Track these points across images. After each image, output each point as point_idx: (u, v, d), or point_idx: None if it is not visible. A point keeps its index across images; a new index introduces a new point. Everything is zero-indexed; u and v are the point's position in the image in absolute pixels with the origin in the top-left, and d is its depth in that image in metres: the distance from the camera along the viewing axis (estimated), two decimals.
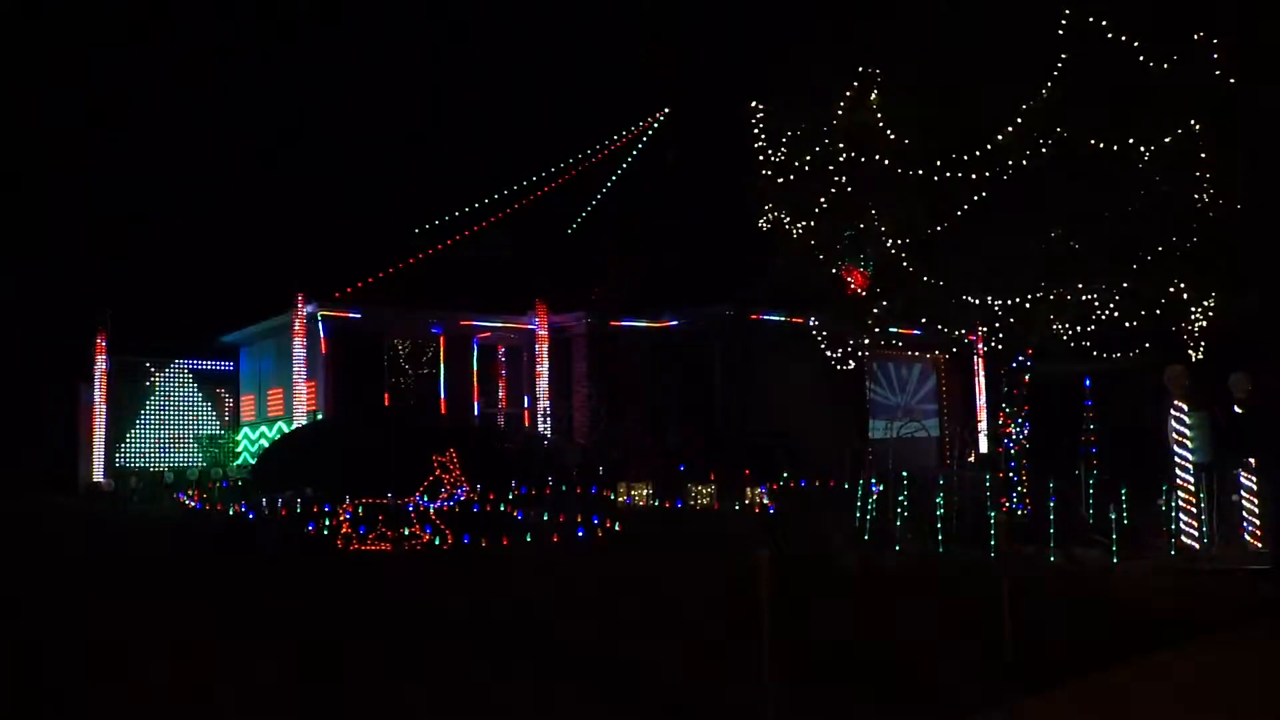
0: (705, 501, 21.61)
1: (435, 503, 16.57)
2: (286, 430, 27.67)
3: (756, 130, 16.00)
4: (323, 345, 27.40)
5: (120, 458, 31.13)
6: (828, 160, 15.00)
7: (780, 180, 15.74)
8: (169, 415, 32.51)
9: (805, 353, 18.84)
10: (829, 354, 17.19)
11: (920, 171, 14.01)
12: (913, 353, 28.90)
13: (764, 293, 24.93)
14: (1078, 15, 13.45)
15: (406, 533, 16.18)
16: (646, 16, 49.19)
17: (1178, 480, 13.57)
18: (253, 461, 28.89)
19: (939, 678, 7.43)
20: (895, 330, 17.71)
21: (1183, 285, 14.67)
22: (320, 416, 27.32)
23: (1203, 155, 13.84)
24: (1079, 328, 15.60)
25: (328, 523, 18.32)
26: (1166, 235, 14.42)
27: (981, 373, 34.05)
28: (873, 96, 14.50)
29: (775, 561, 6.27)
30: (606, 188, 34.37)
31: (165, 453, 32.18)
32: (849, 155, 14.65)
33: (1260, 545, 13.01)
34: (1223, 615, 9.46)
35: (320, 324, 27.38)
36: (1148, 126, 13.52)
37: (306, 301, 27.23)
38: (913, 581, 11.97)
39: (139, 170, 48.38)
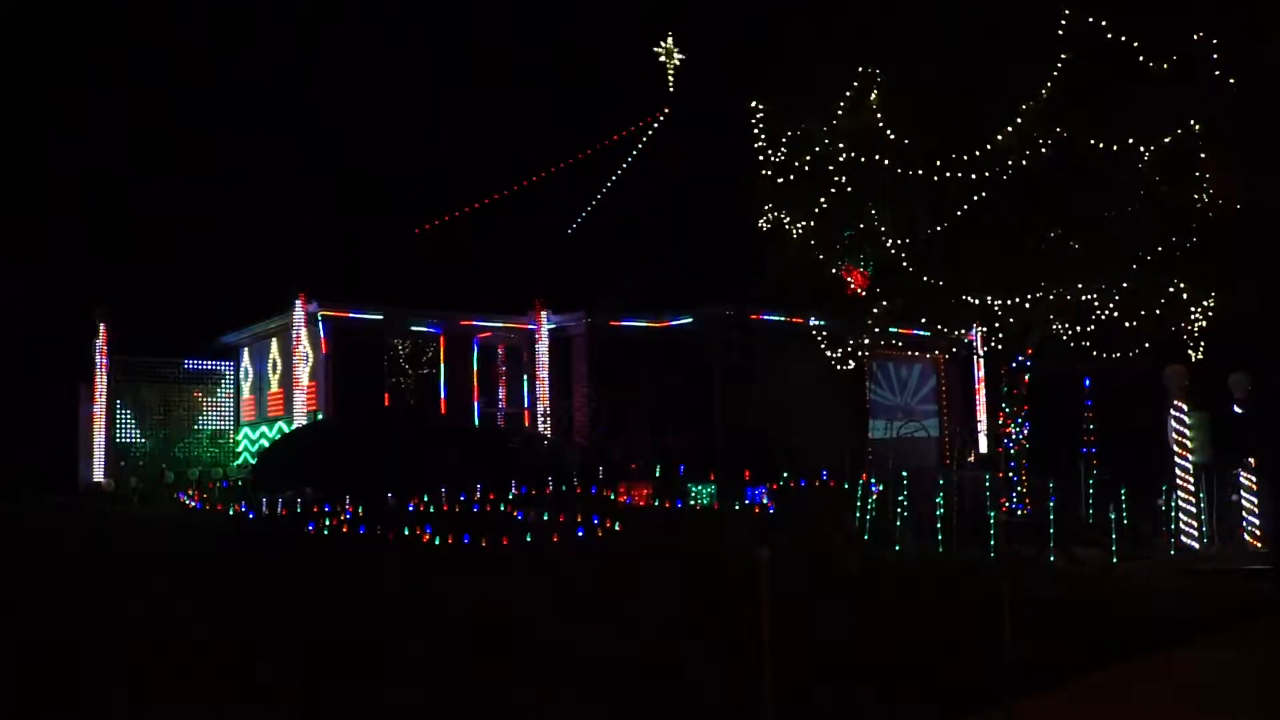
0: (705, 502, 21.60)
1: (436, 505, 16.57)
2: (286, 430, 27.66)
3: (757, 130, 16.01)
4: (323, 345, 27.40)
5: (120, 458, 31.12)
6: (828, 160, 15.00)
7: (780, 180, 15.75)
8: (169, 415, 32.50)
9: (805, 353, 18.85)
10: (829, 354, 17.20)
11: (920, 171, 14.01)
12: (913, 353, 28.87)
13: (764, 293, 24.92)
14: (1078, 15, 13.46)
15: (407, 532, 16.18)
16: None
17: (1178, 480, 13.57)
18: (253, 461, 28.89)
19: (939, 677, 7.43)
20: (895, 330, 17.72)
21: (1183, 285, 14.68)
22: (320, 416, 27.31)
23: (1203, 155, 13.85)
24: (1079, 328, 15.61)
25: (328, 522, 18.31)
26: (1166, 235, 14.43)
27: (981, 373, 34.04)
28: (873, 97, 14.50)
29: (775, 561, 6.28)
30: (607, 187, 34.36)
31: (165, 453, 32.17)
32: (849, 155, 14.65)
33: (1260, 545, 13.01)
34: (1223, 615, 9.46)
35: (320, 324, 27.37)
36: (1148, 126, 13.53)
37: (307, 301, 27.23)
38: (913, 581, 11.97)
39: (140, 170, 48.42)
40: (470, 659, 8.22)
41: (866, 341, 16.57)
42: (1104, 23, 13.39)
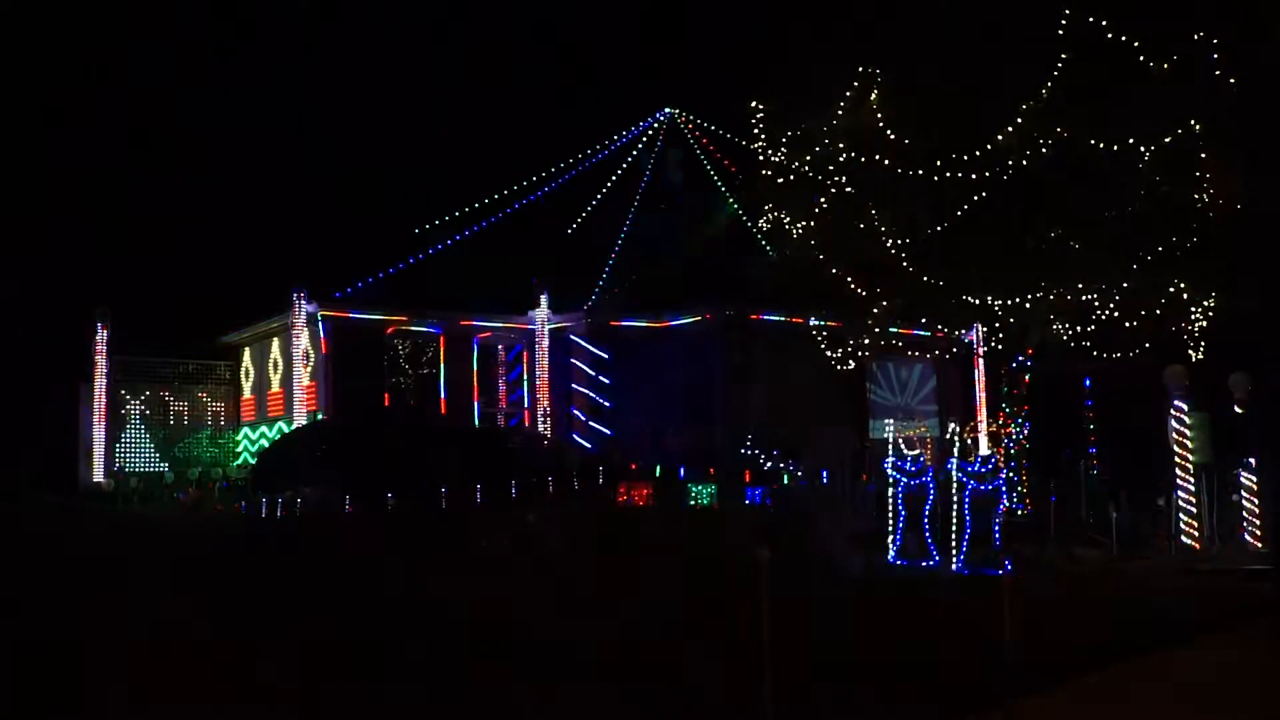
0: (705, 502, 21.58)
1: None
2: (286, 430, 27.66)
3: (757, 131, 16.01)
4: (323, 345, 27.39)
5: (120, 458, 31.12)
6: (828, 160, 15.01)
7: (780, 180, 15.75)
8: (169, 415, 32.50)
9: (805, 353, 18.85)
10: (829, 354, 17.20)
11: (920, 171, 14.01)
12: (913, 353, 28.88)
13: (764, 293, 24.92)
14: (1078, 15, 13.46)
15: (407, 532, 16.16)
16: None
17: (1178, 480, 13.56)
18: (253, 461, 28.88)
19: (939, 678, 7.42)
20: (895, 330, 17.72)
21: (1183, 285, 14.68)
22: (320, 416, 27.31)
23: (1203, 155, 13.84)
24: (1079, 328, 15.60)
25: (327, 522, 18.28)
26: (1166, 235, 14.43)
27: (981, 373, 34.02)
28: (873, 97, 14.51)
29: (775, 561, 6.27)
30: (607, 188, 34.35)
31: (165, 453, 32.17)
32: (849, 155, 14.65)
33: (1260, 545, 12.99)
34: (1223, 615, 9.45)
35: (320, 324, 27.37)
36: (1148, 126, 13.53)
37: (306, 301, 27.23)
38: (913, 582, 11.96)
39: (140, 170, 48.42)
40: (470, 659, 8.22)
41: (867, 341, 16.57)
42: (1104, 23, 13.39)
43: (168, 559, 15.44)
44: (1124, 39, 13.45)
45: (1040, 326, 15.63)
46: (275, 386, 30.74)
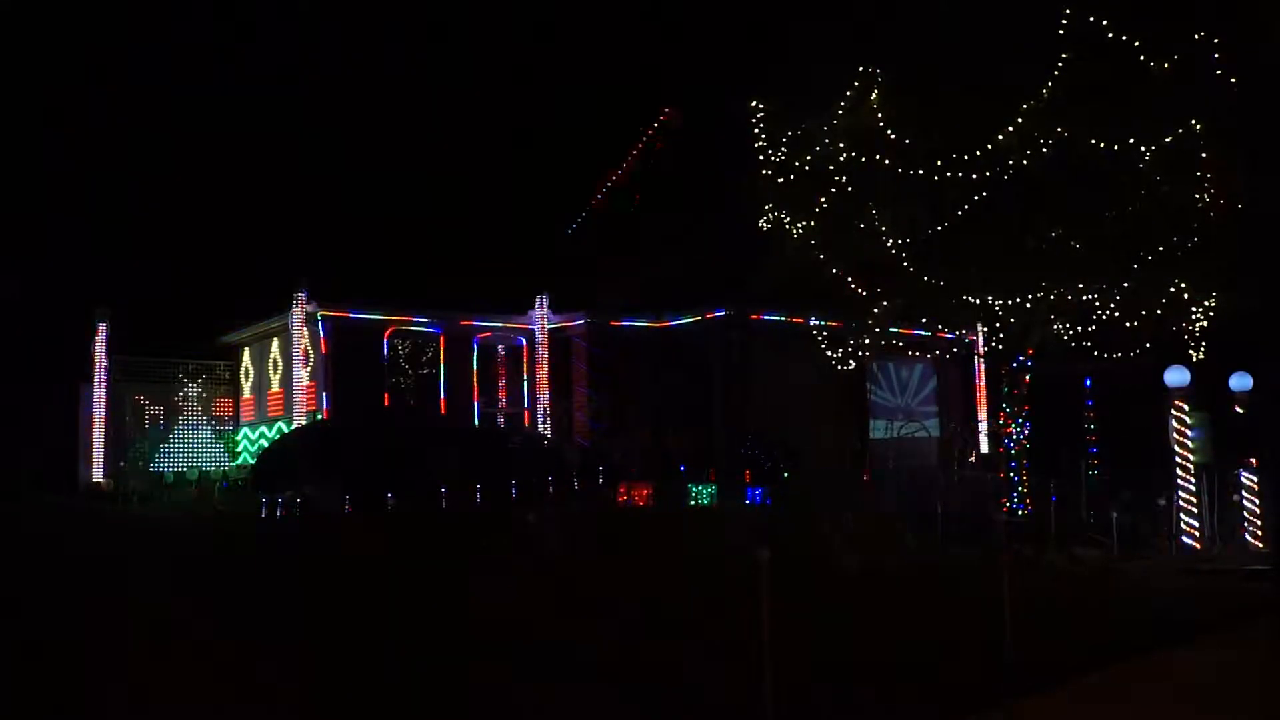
0: (705, 502, 21.59)
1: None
2: (286, 430, 27.66)
3: (757, 130, 16.00)
4: (323, 345, 27.40)
5: (120, 458, 31.12)
6: (828, 160, 15.00)
7: (780, 180, 15.75)
8: (168, 415, 32.50)
9: (805, 353, 18.83)
10: (829, 354, 17.19)
11: (920, 171, 14.01)
12: (913, 353, 28.90)
13: (764, 292, 24.94)
14: (1078, 15, 13.46)
15: (406, 532, 16.16)
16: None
17: (1178, 480, 13.55)
18: (252, 461, 28.88)
19: (939, 677, 7.42)
20: (895, 330, 17.71)
21: (1183, 285, 14.67)
22: (320, 416, 27.31)
23: (1203, 155, 13.84)
24: (1079, 328, 15.59)
25: (327, 522, 18.29)
26: (1167, 235, 14.42)
27: (982, 373, 34.03)
28: (873, 97, 14.50)
29: (775, 561, 6.27)
30: (607, 187, 34.36)
31: (165, 453, 32.17)
32: (849, 155, 14.65)
33: (1260, 545, 12.99)
34: (1223, 615, 9.45)
35: (320, 324, 27.38)
36: (1148, 126, 13.52)
37: (307, 301, 27.24)
38: (913, 581, 11.96)
39: (140, 171, 48.42)
40: (470, 658, 8.21)
41: (867, 341, 16.55)
42: (1104, 22, 13.38)
43: (167, 559, 15.44)
44: (1124, 39, 13.44)
45: (1041, 326, 15.62)
46: (275, 386, 30.74)
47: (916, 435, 23.99)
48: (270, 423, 30.61)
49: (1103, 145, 13.48)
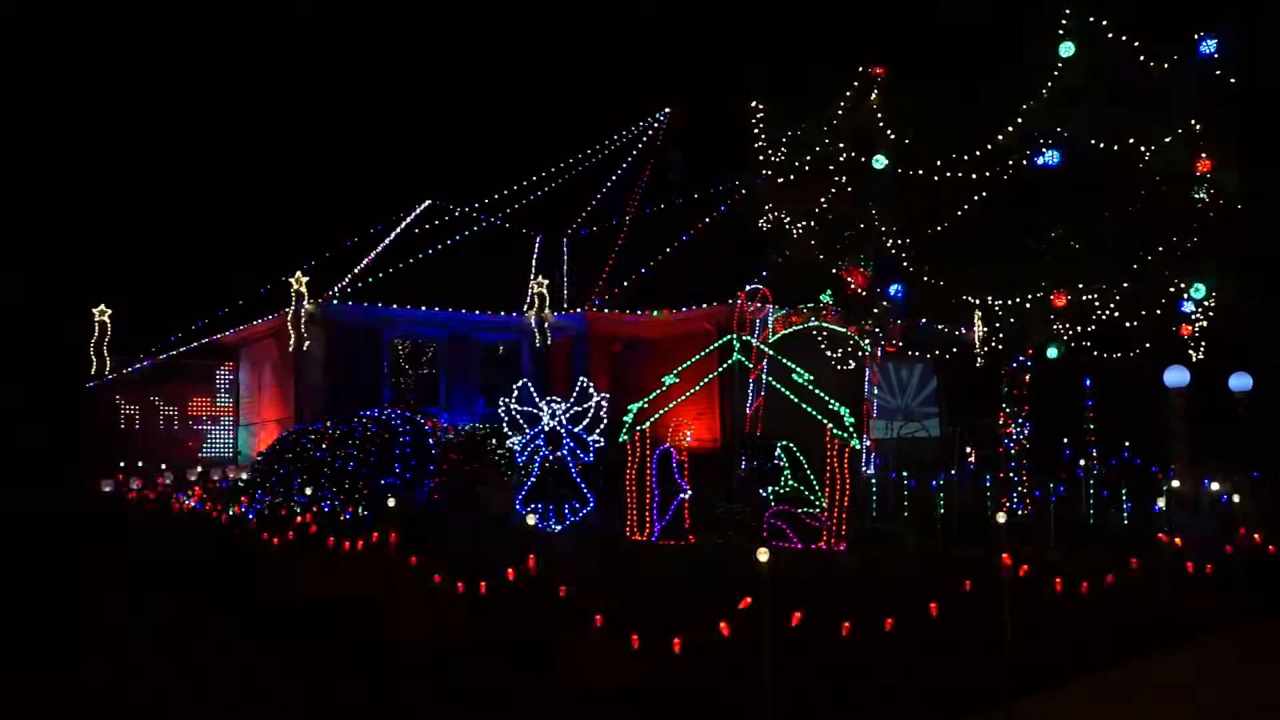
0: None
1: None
2: (286, 430, 27.64)
3: (757, 130, 16.02)
4: (323, 345, 27.38)
5: (120, 458, 31.10)
6: (828, 160, 15.01)
7: (780, 180, 15.76)
8: (168, 415, 32.49)
9: (805, 352, 18.83)
10: (829, 354, 17.20)
11: (920, 171, 14.02)
12: (913, 353, 28.85)
13: (764, 292, 24.91)
14: (1078, 15, 13.48)
15: (406, 532, 16.14)
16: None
17: (1174, 479, 13.56)
18: (251, 461, 28.86)
19: (939, 677, 7.42)
20: (898, 321, 17.69)
21: (1183, 285, 14.67)
22: (320, 417, 27.28)
23: (1203, 155, 13.85)
24: (1079, 328, 15.60)
25: (326, 522, 18.26)
26: (1166, 235, 14.42)
27: (981, 373, 33.98)
28: (873, 97, 14.52)
29: (775, 561, 6.27)
30: (607, 187, 34.37)
31: (164, 453, 32.14)
32: (849, 155, 14.66)
33: (1261, 545, 12.99)
34: (1223, 615, 9.46)
35: (320, 324, 27.36)
36: (1148, 127, 13.54)
37: (306, 300, 27.22)
38: (913, 581, 11.95)
39: (139, 169, 48.45)
40: (470, 658, 8.22)
41: (868, 341, 16.56)
42: (1104, 22, 13.40)
43: (168, 559, 15.43)
44: (1124, 39, 13.46)
45: (1041, 326, 15.63)
46: (275, 386, 30.74)
47: (917, 435, 23.90)
48: (269, 423, 30.62)
49: (1102, 145, 13.49)
